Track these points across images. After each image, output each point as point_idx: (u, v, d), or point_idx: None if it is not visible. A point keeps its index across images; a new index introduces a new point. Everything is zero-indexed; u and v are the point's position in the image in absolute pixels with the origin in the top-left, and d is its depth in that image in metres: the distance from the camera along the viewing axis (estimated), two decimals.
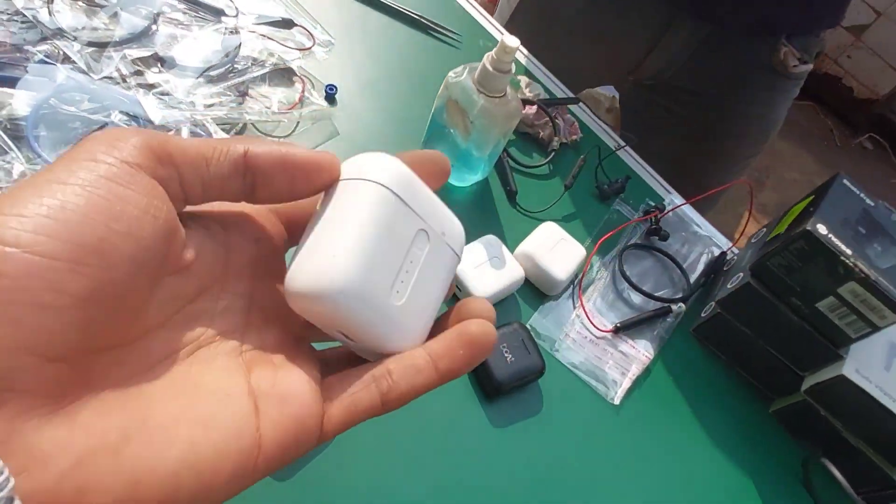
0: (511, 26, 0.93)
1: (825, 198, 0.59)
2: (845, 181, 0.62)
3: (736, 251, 0.76)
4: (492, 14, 0.91)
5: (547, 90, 0.83)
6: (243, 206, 0.23)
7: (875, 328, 0.56)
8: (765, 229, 0.70)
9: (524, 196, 0.71)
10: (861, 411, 0.58)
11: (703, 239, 0.77)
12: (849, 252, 0.55)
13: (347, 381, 0.21)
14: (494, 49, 0.58)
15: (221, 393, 0.19)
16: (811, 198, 0.63)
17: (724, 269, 0.73)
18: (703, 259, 0.75)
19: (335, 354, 0.25)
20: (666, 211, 0.75)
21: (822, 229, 0.56)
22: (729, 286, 0.65)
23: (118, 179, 0.17)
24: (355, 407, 0.21)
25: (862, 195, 0.62)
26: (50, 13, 0.56)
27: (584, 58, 0.91)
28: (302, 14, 0.72)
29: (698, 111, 0.90)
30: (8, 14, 0.57)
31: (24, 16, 0.57)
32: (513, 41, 0.56)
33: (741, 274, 0.64)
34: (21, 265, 0.14)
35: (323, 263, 0.21)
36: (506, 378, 0.55)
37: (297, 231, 0.24)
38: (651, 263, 0.73)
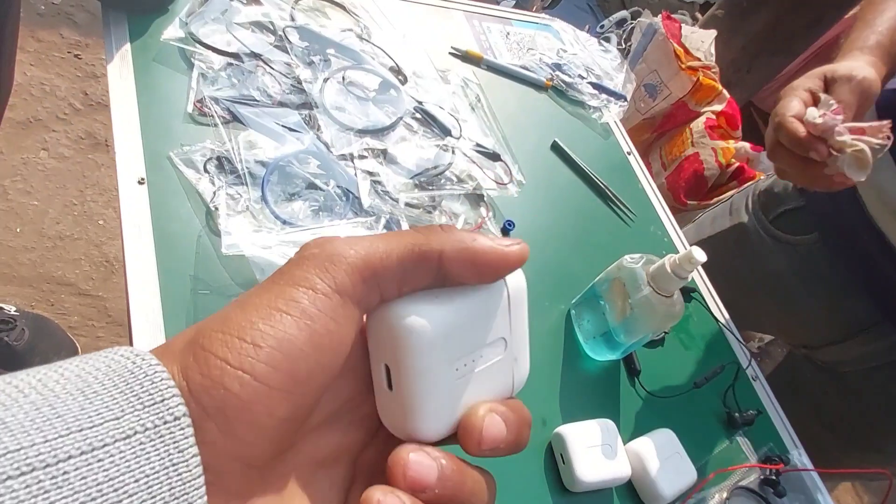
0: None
1: None
2: None
3: None
4: (674, 213, 0.94)
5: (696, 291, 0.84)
6: None
7: None
8: None
9: (648, 376, 0.70)
10: None
11: None
12: None
13: None
14: (679, 255, 0.60)
15: None
16: None
17: None
18: None
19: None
20: (790, 469, 0.70)
21: None
22: None
23: (331, 313, 0.19)
24: None
25: None
26: (321, 90, 0.66)
27: (763, 309, 0.90)
28: (507, 152, 0.80)
29: (858, 415, 0.86)
30: (289, 77, 0.68)
31: (299, 83, 0.68)
32: (701, 256, 0.58)
33: None
34: (251, 391, 0.17)
35: (414, 301, 0.22)
36: None
37: None
38: None
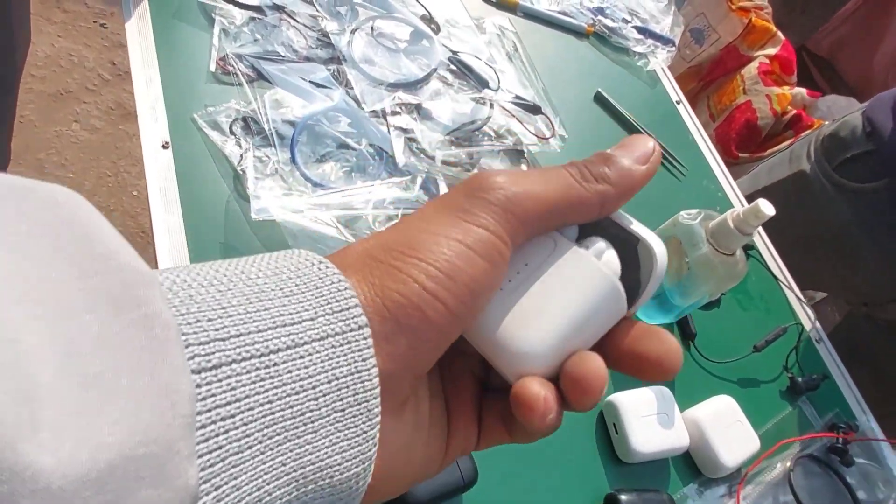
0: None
1: None
2: None
3: None
4: (728, 165, 0.87)
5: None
6: None
7: None
8: None
9: (703, 340, 0.66)
10: None
11: (891, 483, 0.67)
12: None
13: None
14: (744, 209, 0.55)
15: (434, 417, 0.22)
16: None
17: None
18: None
19: None
20: (859, 437, 0.66)
21: None
22: None
23: (505, 260, 0.20)
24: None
25: None
26: (349, 43, 0.62)
27: (823, 264, 0.85)
28: (548, 104, 0.74)
29: None
30: (315, 30, 0.64)
31: (326, 36, 0.64)
32: (769, 209, 0.53)
33: None
34: (443, 319, 0.18)
35: None
36: None
37: None
38: (824, 484, 0.64)
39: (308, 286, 0.17)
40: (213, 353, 0.14)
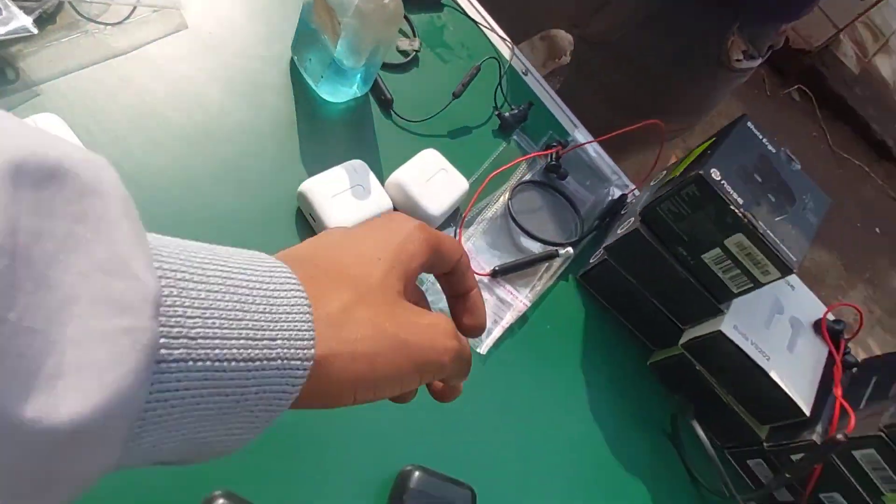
0: None
1: (726, 140, 0.54)
2: (749, 124, 0.57)
3: (638, 194, 0.72)
4: None
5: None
6: None
7: (758, 284, 0.53)
8: (665, 172, 0.66)
9: (404, 104, 0.63)
10: (734, 368, 0.56)
11: (607, 180, 0.72)
12: (739, 201, 0.50)
13: None
14: None
15: None
16: (713, 140, 0.58)
17: (623, 212, 0.68)
18: (606, 202, 0.70)
19: None
20: (569, 147, 0.68)
21: (715, 174, 0.51)
22: (619, 231, 0.61)
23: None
24: None
25: (764, 140, 0.57)
26: None
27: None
28: None
29: (635, 82, 0.84)
30: None
31: None
32: None
33: (632, 219, 0.59)
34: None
35: None
36: None
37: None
38: (546, 203, 0.67)
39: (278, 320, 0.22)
40: (178, 347, 0.18)
